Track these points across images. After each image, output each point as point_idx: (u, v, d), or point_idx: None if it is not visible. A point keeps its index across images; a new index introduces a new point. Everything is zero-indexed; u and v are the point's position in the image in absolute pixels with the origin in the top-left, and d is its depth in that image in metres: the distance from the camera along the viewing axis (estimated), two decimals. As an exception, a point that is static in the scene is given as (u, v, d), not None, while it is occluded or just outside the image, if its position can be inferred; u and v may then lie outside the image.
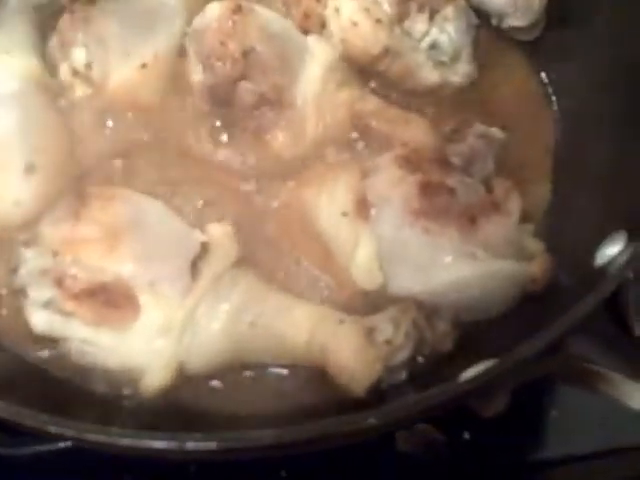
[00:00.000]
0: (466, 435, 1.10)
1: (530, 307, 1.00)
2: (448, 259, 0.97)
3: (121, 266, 0.97)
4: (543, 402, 1.14)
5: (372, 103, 1.13)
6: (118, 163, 1.13)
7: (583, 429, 1.13)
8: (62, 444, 1.01)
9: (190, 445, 0.73)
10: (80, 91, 1.18)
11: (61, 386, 1.01)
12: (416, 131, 1.10)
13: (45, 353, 1.03)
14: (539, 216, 1.12)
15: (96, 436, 0.76)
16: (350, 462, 1.07)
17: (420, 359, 0.98)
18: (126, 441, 0.75)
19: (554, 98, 1.26)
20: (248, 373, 1.01)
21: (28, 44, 1.22)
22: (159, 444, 0.74)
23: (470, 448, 1.10)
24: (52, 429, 0.75)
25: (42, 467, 1.07)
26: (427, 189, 0.99)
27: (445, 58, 1.19)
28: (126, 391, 0.99)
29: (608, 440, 1.12)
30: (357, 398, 0.95)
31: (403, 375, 0.97)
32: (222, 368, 1.00)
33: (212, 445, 0.75)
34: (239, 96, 1.10)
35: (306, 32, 1.19)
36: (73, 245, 0.98)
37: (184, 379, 0.98)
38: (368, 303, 1.02)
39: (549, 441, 1.13)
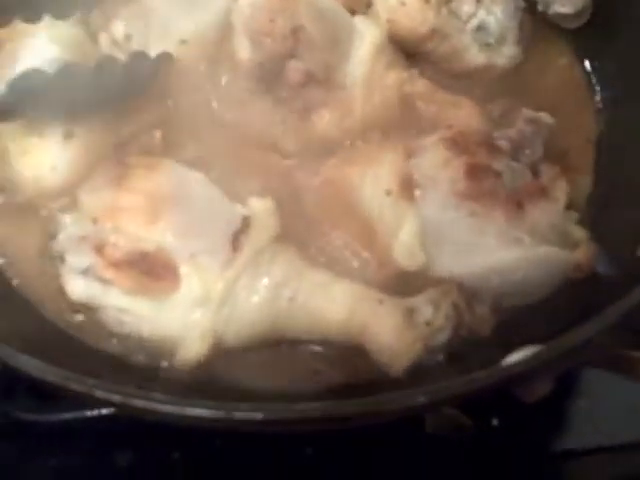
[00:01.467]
0: (495, 421, 1.10)
1: (571, 294, 0.99)
2: (492, 242, 0.97)
3: (162, 236, 0.96)
4: (572, 390, 1.14)
5: (420, 85, 1.13)
6: (157, 134, 1.12)
7: (611, 419, 1.12)
8: (89, 412, 1.02)
9: (238, 415, 0.73)
10: (118, 62, 1.17)
11: (96, 355, 1.01)
12: (464, 114, 1.10)
13: (80, 321, 1.03)
14: (582, 204, 1.11)
15: (142, 402, 0.75)
16: (378, 442, 1.07)
17: (458, 342, 0.97)
18: (172, 408, 0.75)
19: (598, 88, 1.25)
20: (283, 348, 1.01)
21: (71, 10, 1.22)
22: (206, 412, 0.73)
23: (498, 434, 1.10)
24: (99, 394, 0.75)
25: (69, 434, 1.08)
26: (474, 171, 0.98)
27: (491, 40, 1.19)
28: (162, 361, 0.99)
29: (636, 431, 1.11)
30: (393, 378, 0.95)
31: (441, 357, 0.97)
32: (258, 342, 0.99)
33: (258, 416, 0.74)
34: (287, 74, 1.09)
35: (351, 11, 1.18)
36: (114, 213, 0.98)
37: (220, 351, 0.97)
38: (407, 283, 1.01)
39: (577, 430, 1.13)
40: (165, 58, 1.12)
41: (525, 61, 1.22)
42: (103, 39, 1.19)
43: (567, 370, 0.94)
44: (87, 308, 1.01)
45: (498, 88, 1.19)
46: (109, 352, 1.01)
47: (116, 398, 0.76)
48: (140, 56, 1.10)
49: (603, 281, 0.99)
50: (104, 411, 1.00)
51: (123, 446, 1.11)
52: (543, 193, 0.99)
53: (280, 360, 1.01)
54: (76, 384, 0.76)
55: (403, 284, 1.01)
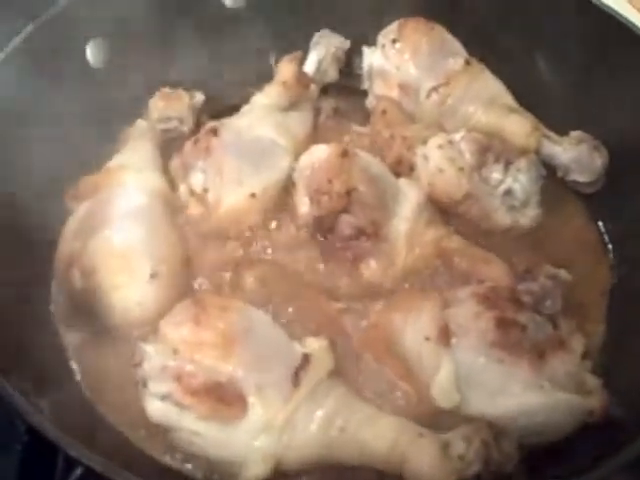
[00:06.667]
0: None
1: (588, 436, 1.13)
2: (518, 387, 1.11)
3: (234, 369, 1.11)
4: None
5: (456, 242, 1.31)
6: (226, 276, 1.30)
7: None
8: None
9: None
10: (195, 209, 1.37)
11: (163, 469, 1.16)
12: (493, 269, 1.27)
13: (154, 439, 1.17)
14: (595, 353, 1.25)
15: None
16: None
17: (486, 474, 1.10)
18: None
19: (610, 246, 1.43)
20: (333, 473, 1.14)
21: (155, 163, 1.43)
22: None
23: None
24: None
25: None
26: (502, 324, 1.14)
27: (516, 203, 1.37)
28: (224, 480, 1.12)
29: None
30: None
31: (470, 489, 1.09)
32: (311, 466, 1.12)
33: None
34: (340, 227, 1.28)
35: (397, 174, 1.37)
36: (193, 347, 1.12)
37: (278, 473, 1.11)
38: (441, 418, 1.15)
39: None
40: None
41: (545, 221, 1.39)
42: (182, 189, 1.39)
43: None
44: (162, 428, 1.15)
45: (522, 244, 1.37)
46: (174, 468, 1.16)
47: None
48: None
49: (616, 424, 1.12)
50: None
51: None
52: (562, 345, 1.14)
53: (331, 482, 1.14)
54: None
55: (437, 419, 1.15)
